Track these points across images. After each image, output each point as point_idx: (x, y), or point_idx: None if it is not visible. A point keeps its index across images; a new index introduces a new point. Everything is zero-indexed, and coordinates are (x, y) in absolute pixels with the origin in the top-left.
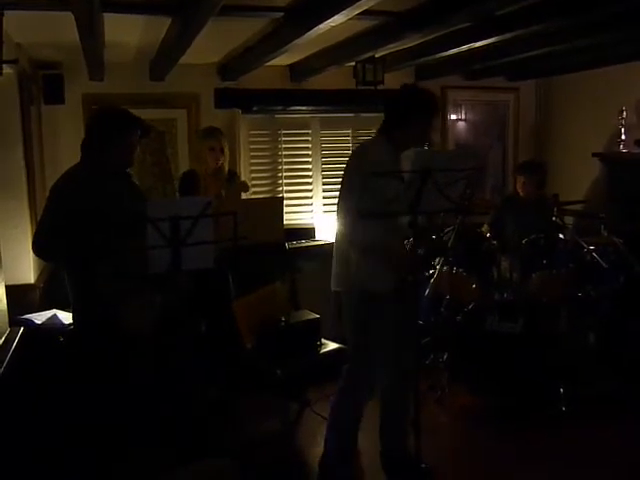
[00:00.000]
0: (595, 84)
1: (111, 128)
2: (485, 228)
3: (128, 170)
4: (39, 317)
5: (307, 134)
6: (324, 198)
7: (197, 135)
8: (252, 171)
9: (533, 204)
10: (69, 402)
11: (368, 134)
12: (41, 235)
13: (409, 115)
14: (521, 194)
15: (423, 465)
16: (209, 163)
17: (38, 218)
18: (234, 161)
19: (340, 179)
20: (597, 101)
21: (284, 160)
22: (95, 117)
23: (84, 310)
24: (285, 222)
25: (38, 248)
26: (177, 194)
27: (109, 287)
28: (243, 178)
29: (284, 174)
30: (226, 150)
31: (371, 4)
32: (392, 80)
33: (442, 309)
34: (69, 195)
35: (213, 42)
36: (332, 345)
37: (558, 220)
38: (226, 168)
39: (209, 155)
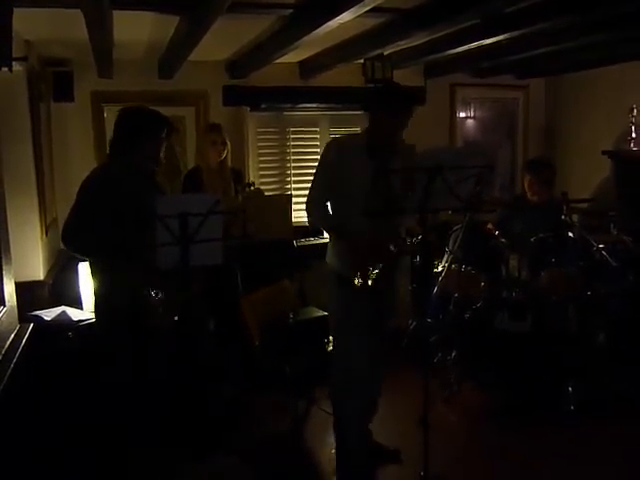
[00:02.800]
0: (605, 82)
1: (142, 125)
2: (490, 226)
3: (155, 169)
4: (48, 313)
5: (316, 132)
6: None
7: (200, 131)
8: (260, 169)
9: (542, 206)
10: (78, 398)
11: None
12: (68, 228)
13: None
14: (528, 193)
15: (422, 473)
16: (212, 158)
17: (47, 215)
18: (242, 159)
19: None
20: (607, 99)
21: (292, 158)
22: (126, 115)
23: (106, 303)
24: (293, 220)
25: (65, 240)
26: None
27: (131, 283)
28: (252, 177)
29: (292, 172)
30: (228, 143)
31: (379, 1)
32: (401, 78)
33: (450, 307)
34: (93, 193)
35: (222, 39)
36: None
37: (567, 218)
38: (229, 161)
39: (212, 149)
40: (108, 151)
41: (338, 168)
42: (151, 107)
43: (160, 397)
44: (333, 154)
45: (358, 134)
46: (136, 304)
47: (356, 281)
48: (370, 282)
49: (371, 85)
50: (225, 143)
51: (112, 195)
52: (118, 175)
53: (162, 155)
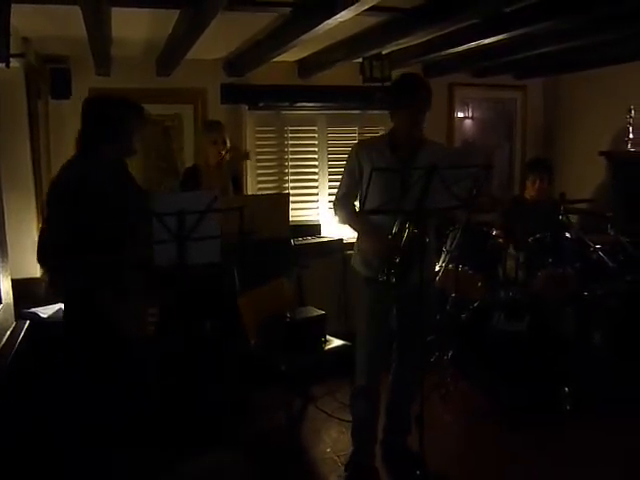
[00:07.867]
0: (603, 82)
1: (111, 115)
2: (498, 233)
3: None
4: (45, 311)
5: (313, 131)
6: (330, 195)
7: (200, 129)
8: (258, 167)
9: (540, 205)
10: (74, 396)
11: (374, 131)
12: (47, 245)
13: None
14: (532, 193)
15: (418, 472)
16: (212, 157)
17: (44, 211)
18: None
19: None
20: (605, 99)
21: (290, 157)
22: (92, 104)
23: (78, 311)
24: (291, 218)
25: (43, 260)
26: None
27: (105, 291)
28: (249, 175)
29: (290, 170)
30: (228, 141)
31: (378, 0)
32: None
33: (447, 307)
34: (66, 199)
35: (220, 37)
36: (337, 342)
37: (564, 219)
38: (227, 159)
39: (212, 149)
40: (75, 146)
41: (362, 167)
42: (149, 105)
43: (150, 399)
44: (355, 155)
45: (382, 135)
46: (106, 318)
47: (379, 277)
48: (393, 278)
49: (378, 84)
50: (225, 142)
51: (86, 198)
52: (89, 173)
53: (135, 144)
